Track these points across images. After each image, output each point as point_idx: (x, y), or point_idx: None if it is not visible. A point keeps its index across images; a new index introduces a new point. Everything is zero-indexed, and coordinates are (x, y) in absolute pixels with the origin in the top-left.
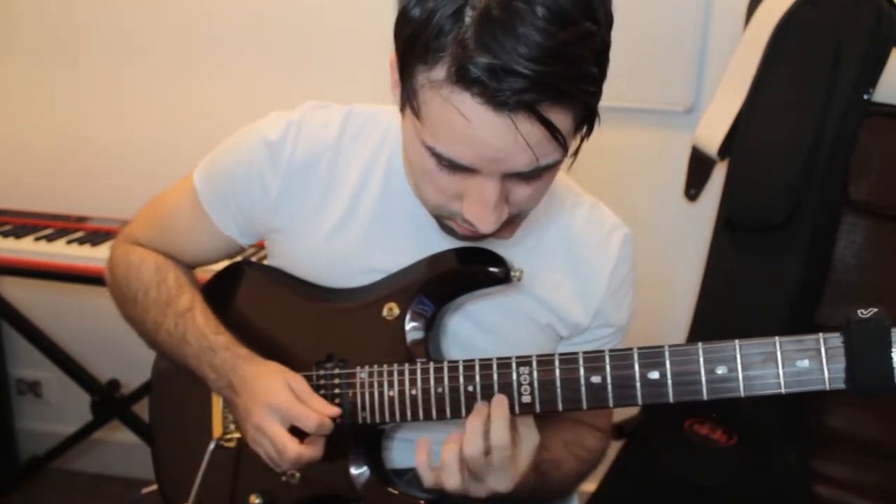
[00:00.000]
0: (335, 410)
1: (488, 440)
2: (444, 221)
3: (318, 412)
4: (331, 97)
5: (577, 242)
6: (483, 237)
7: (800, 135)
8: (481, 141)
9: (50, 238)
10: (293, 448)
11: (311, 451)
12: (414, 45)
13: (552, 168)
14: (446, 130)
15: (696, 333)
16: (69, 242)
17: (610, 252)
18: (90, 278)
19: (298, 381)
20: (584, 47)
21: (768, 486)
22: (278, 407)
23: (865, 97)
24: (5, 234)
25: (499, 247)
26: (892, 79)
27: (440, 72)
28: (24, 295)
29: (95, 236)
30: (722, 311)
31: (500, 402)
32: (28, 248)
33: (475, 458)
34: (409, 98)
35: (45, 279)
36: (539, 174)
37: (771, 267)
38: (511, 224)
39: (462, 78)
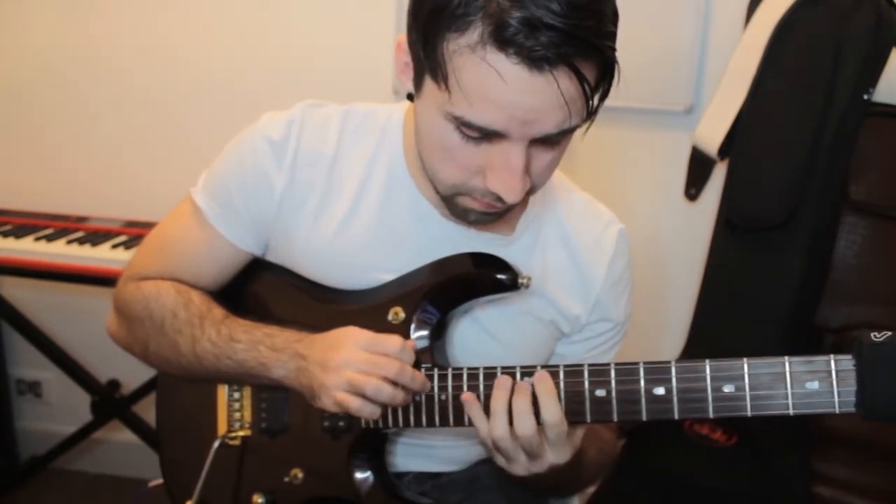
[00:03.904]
0: (412, 341)
1: (538, 417)
2: (457, 201)
3: (398, 338)
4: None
5: (574, 235)
6: (498, 213)
7: (800, 135)
8: (516, 102)
9: (50, 238)
10: (392, 362)
11: (412, 370)
12: (440, 14)
13: (572, 132)
14: (480, 94)
15: (696, 333)
16: (69, 242)
17: (607, 245)
18: (90, 278)
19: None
20: (606, 5)
21: (768, 486)
22: (357, 340)
23: (865, 97)
24: (5, 234)
25: (499, 243)
26: (892, 79)
27: (473, 35)
28: (24, 295)
29: (95, 236)
30: (722, 311)
31: (543, 378)
32: (28, 248)
33: (529, 437)
34: (434, 70)
35: (45, 279)
36: (561, 138)
37: (771, 267)
38: (513, 213)
39: (499, 38)
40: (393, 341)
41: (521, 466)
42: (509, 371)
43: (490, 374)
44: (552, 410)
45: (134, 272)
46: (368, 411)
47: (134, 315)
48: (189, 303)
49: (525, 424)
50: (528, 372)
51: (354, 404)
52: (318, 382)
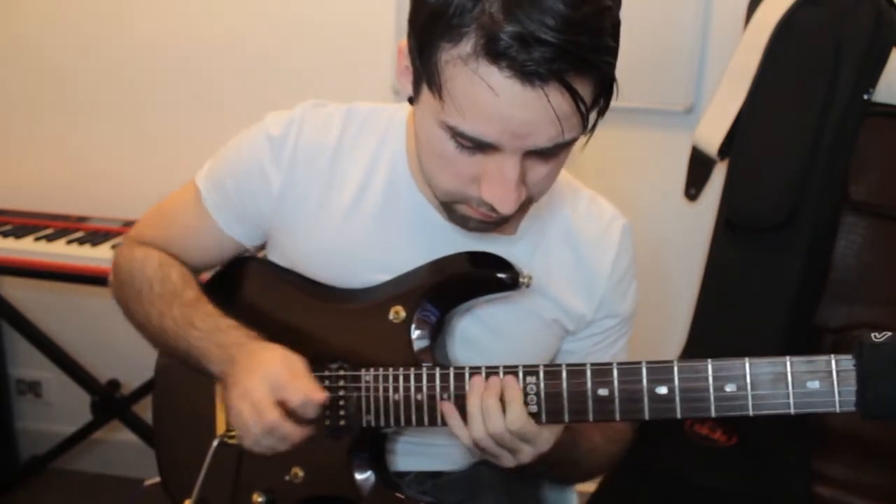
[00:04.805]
0: (323, 396)
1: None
2: (455, 208)
3: (306, 391)
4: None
5: (578, 234)
6: (496, 222)
7: (800, 135)
8: (508, 115)
9: (50, 238)
10: (272, 415)
11: (288, 426)
12: (436, 23)
13: (569, 146)
14: (472, 106)
15: (696, 333)
16: (69, 242)
17: (611, 242)
18: (90, 278)
19: (297, 359)
20: (604, 19)
21: (768, 486)
22: (270, 376)
23: (865, 97)
24: (5, 234)
25: (502, 242)
26: (892, 79)
27: (466, 46)
28: (24, 295)
29: (95, 236)
30: (721, 311)
31: (509, 383)
32: (28, 248)
33: (500, 433)
34: (428, 79)
35: (45, 279)
36: (557, 151)
37: (771, 267)
38: (514, 217)
39: (490, 51)
40: (295, 395)
41: (507, 461)
42: (511, 370)
43: (492, 373)
44: (513, 417)
45: (135, 234)
46: (257, 451)
47: (121, 277)
48: (166, 279)
49: (494, 422)
50: (529, 371)
51: (246, 442)
52: (228, 397)
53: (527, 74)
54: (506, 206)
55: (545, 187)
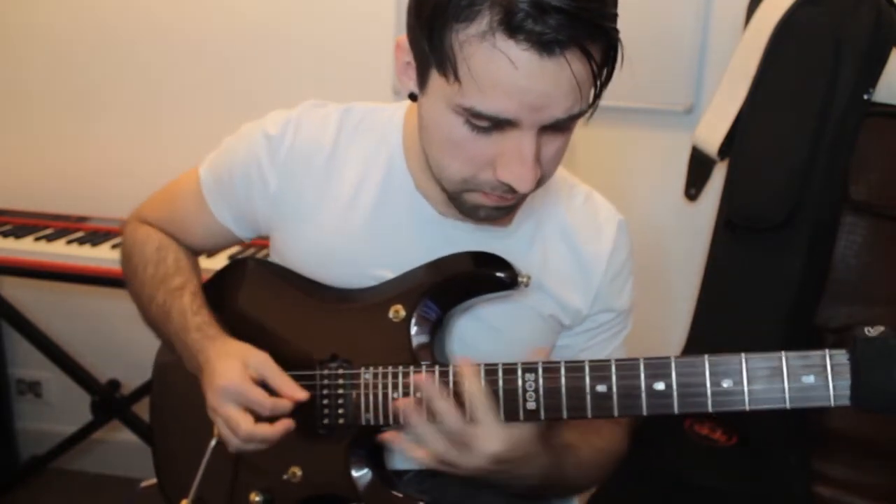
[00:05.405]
0: (303, 394)
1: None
2: (466, 198)
3: (288, 394)
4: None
5: (573, 229)
6: (509, 207)
7: (800, 135)
8: (526, 87)
9: (50, 238)
10: (246, 427)
11: (265, 429)
12: (445, 8)
13: (580, 117)
14: (491, 82)
15: (696, 334)
16: (69, 242)
17: (607, 238)
18: (90, 278)
19: (260, 359)
20: None
21: (768, 486)
22: (227, 389)
23: (865, 97)
24: (5, 234)
25: (498, 235)
26: (892, 79)
27: (482, 24)
28: (24, 295)
29: (95, 236)
30: (722, 312)
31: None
32: (28, 248)
33: (447, 425)
34: (440, 63)
35: (45, 279)
36: (570, 124)
37: (771, 267)
38: (512, 208)
39: (508, 24)
40: (263, 407)
41: (466, 459)
42: (510, 367)
43: (491, 370)
44: (472, 390)
45: (141, 213)
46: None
47: (125, 252)
48: (160, 262)
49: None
50: (528, 368)
51: (232, 449)
52: (207, 406)
53: (545, 44)
54: (524, 185)
55: (556, 165)
